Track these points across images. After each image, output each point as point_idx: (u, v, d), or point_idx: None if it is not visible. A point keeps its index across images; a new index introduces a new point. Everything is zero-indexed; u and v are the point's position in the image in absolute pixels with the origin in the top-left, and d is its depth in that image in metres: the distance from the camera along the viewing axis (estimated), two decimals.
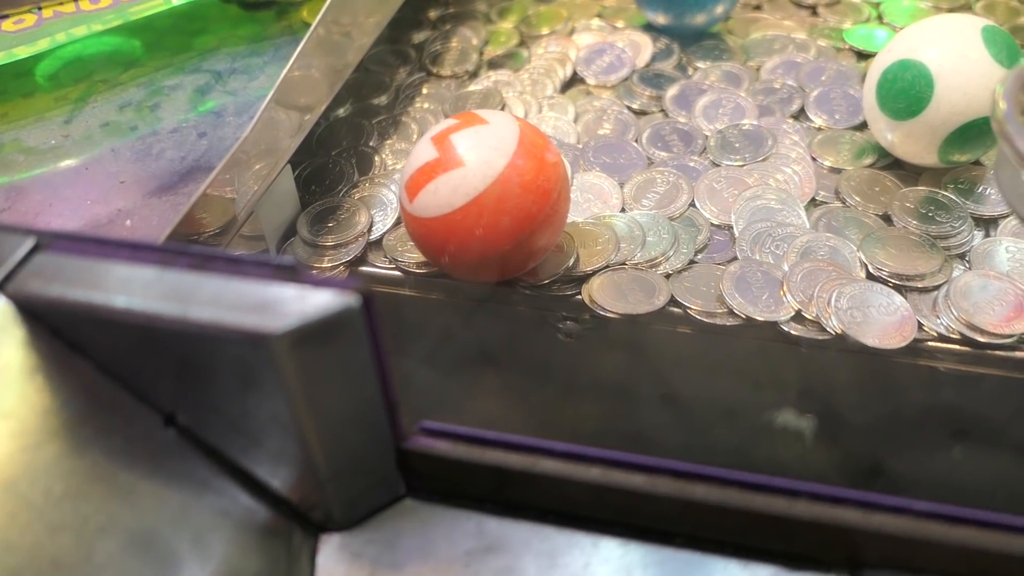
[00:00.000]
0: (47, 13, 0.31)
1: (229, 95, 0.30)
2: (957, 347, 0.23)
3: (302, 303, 0.16)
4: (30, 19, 0.30)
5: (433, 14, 0.38)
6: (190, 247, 0.17)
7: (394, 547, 0.19)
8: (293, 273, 0.17)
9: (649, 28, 0.36)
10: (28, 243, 0.18)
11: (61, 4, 0.31)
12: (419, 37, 0.37)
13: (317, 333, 0.16)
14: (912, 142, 0.27)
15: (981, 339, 0.23)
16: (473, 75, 0.35)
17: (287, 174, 0.28)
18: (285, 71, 0.27)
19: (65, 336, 0.17)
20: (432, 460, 0.19)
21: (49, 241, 0.18)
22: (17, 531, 0.16)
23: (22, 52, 0.29)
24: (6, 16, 0.31)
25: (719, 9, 0.34)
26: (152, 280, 0.17)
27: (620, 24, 0.37)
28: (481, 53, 0.36)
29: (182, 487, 0.18)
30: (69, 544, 0.16)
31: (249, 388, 0.17)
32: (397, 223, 0.28)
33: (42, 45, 0.30)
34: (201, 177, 0.27)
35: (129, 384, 0.18)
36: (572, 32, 0.37)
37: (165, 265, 0.17)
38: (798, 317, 0.24)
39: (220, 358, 0.17)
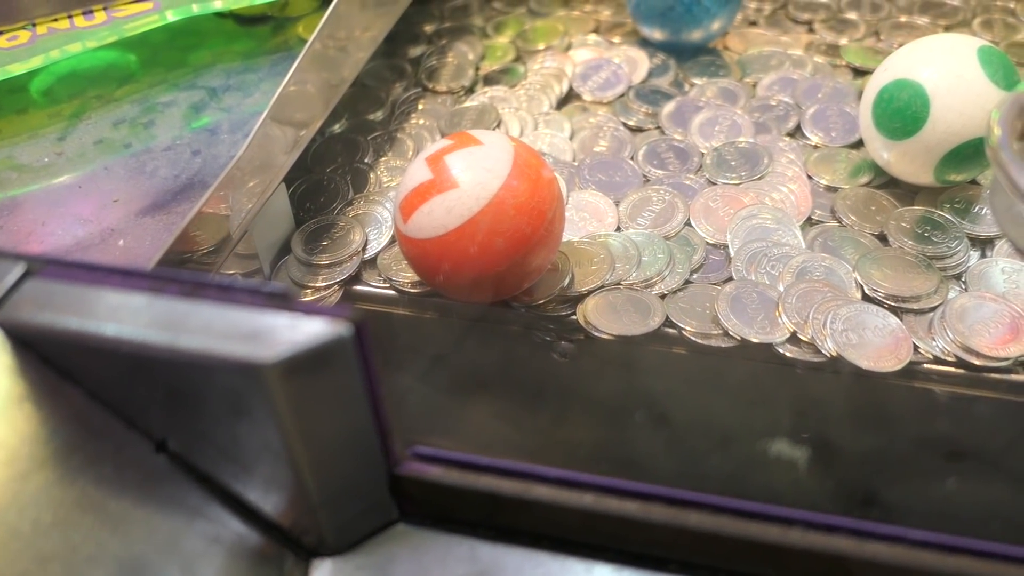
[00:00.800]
0: (41, 30, 0.31)
1: (224, 112, 0.30)
2: (953, 370, 0.23)
3: (294, 332, 0.16)
4: (24, 36, 0.30)
5: (429, 28, 0.38)
6: (181, 273, 0.17)
7: (386, 572, 0.19)
8: (285, 301, 0.16)
9: (645, 44, 0.36)
10: (18, 269, 0.17)
11: (55, 20, 0.31)
12: (415, 51, 0.37)
13: (309, 362, 0.16)
14: (908, 162, 0.26)
15: (977, 362, 0.23)
16: (469, 91, 0.35)
17: (282, 191, 0.28)
18: (281, 88, 0.26)
19: (55, 363, 0.17)
20: (425, 485, 0.19)
21: (39, 267, 0.18)
22: (5, 561, 0.15)
23: (16, 69, 0.29)
24: (0, 33, 0.30)
25: (715, 25, 0.34)
26: (143, 307, 0.17)
27: (616, 39, 0.37)
28: (477, 68, 0.36)
29: (173, 514, 0.18)
30: (58, 574, 0.16)
31: (241, 415, 0.17)
32: (392, 242, 0.28)
33: (36, 62, 0.29)
34: (195, 195, 0.27)
35: (120, 411, 0.18)
36: (568, 47, 0.37)
37: (156, 292, 0.17)
38: (793, 339, 0.24)
39: (211, 386, 0.17)
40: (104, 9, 0.31)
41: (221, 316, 0.16)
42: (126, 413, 0.18)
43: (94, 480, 0.17)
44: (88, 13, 0.31)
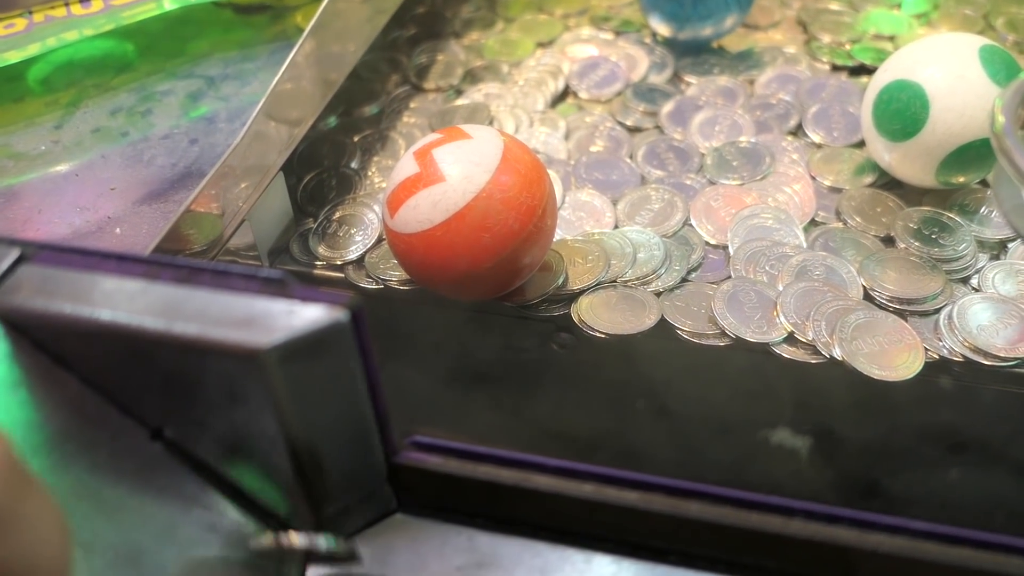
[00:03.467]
0: (38, 17, 0.30)
1: (221, 101, 0.30)
2: (960, 371, 0.23)
3: (291, 318, 0.16)
4: (21, 23, 0.30)
5: (420, 21, 0.38)
6: (177, 259, 0.17)
7: (385, 562, 0.19)
8: (282, 287, 0.16)
9: (643, 41, 0.36)
10: (12, 254, 0.17)
11: (52, 8, 0.31)
12: (408, 45, 0.37)
13: (306, 348, 0.16)
14: (909, 163, 0.26)
15: (986, 362, 0.23)
16: (458, 90, 0.34)
17: (278, 190, 0.28)
18: (273, 84, 0.26)
19: (49, 349, 0.17)
20: (423, 475, 0.19)
21: (34, 252, 0.17)
22: None
23: (13, 57, 0.29)
24: None
25: (728, 22, 0.33)
26: (138, 293, 0.17)
27: (612, 36, 0.36)
28: (467, 65, 0.35)
29: (169, 502, 0.18)
30: None
31: (237, 402, 0.17)
32: (379, 241, 0.28)
33: (33, 50, 0.29)
34: (192, 184, 0.26)
35: (115, 398, 0.18)
36: (566, 44, 0.36)
37: (152, 278, 0.17)
38: (791, 339, 0.24)
39: (208, 372, 0.17)
40: None
41: (217, 302, 0.16)
42: (121, 400, 0.18)
43: (89, 467, 0.17)
44: (85, 1, 0.31)
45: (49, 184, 0.27)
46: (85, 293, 0.17)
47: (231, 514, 0.19)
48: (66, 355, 0.17)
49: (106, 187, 0.27)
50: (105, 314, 0.16)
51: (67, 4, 0.31)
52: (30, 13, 0.31)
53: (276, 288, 0.16)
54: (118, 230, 0.25)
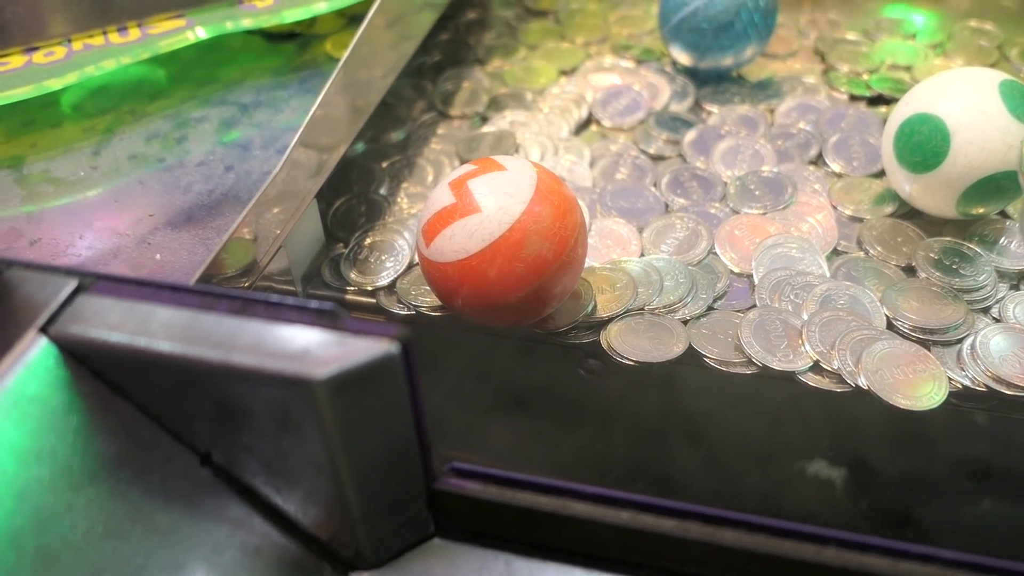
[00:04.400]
0: (77, 46, 0.31)
1: (255, 128, 0.31)
2: (983, 401, 0.23)
3: (343, 349, 0.16)
4: (60, 51, 0.31)
5: (444, 48, 0.39)
6: (231, 290, 0.18)
7: None
8: (334, 319, 0.17)
9: (664, 70, 0.36)
10: (70, 285, 0.18)
11: (91, 37, 0.31)
12: (433, 72, 0.37)
13: (357, 379, 0.16)
14: (930, 195, 0.27)
15: (1008, 392, 0.23)
16: (484, 117, 0.35)
17: (311, 216, 0.29)
18: (310, 115, 0.27)
19: (106, 377, 0.18)
20: (462, 500, 0.19)
21: (91, 282, 0.18)
22: (60, 573, 0.16)
23: (53, 84, 0.30)
24: (36, 48, 0.31)
25: (748, 52, 0.34)
26: (193, 323, 0.17)
27: (635, 61, 0.37)
28: (491, 92, 0.36)
29: (216, 525, 0.18)
30: None
31: (286, 430, 0.17)
32: (410, 267, 0.28)
33: (71, 78, 0.30)
34: (229, 211, 0.27)
35: (167, 424, 0.18)
36: (588, 72, 0.37)
37: (206, 308, 0.17)
38: (816, 367, 0.24)
39: (258, 401, 0.17)
40: (138, 26, 0.32)
41: (270, 333, 0.17)
42: (173, 426, 0.18)
43: (143, 493, 0.17)
44: (122, 30, 0.32)
45: (89, 210, 0.28)
46: (142, 323, 0.17)
47: (274, 537, 0.19)
48: (122, 383, 0.18)
49: (145, 213, 0.27)
50: (162, 344, 0.17)
51: (105, 33, 0.32)
52: (69, 41, 0.31)
53: (328, 320, 0.17)
54: (158, 256, 0.26)
